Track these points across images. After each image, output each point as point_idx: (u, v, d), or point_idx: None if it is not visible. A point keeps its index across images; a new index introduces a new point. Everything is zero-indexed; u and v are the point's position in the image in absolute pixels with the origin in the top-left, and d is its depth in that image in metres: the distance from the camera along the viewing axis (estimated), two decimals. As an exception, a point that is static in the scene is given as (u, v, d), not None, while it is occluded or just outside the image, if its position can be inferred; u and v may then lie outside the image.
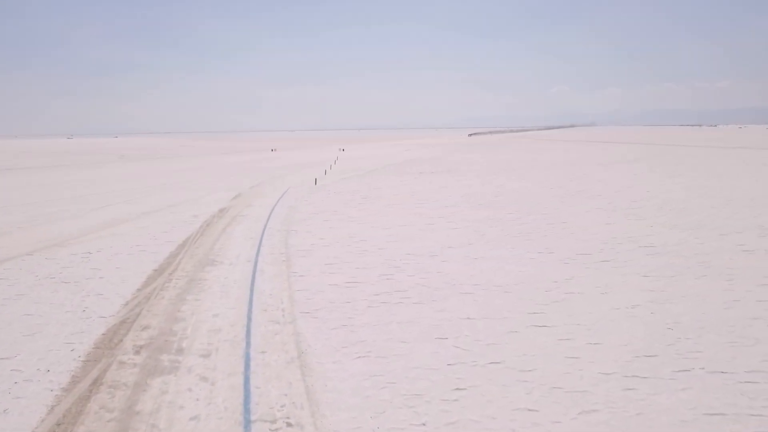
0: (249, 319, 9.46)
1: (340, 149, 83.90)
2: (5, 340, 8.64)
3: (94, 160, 65.99)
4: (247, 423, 6.10)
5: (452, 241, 15.41)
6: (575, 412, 6.20)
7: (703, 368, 7.22)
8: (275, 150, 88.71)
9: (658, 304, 9.83)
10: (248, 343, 8.38)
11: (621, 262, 12.76)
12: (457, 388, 6.80)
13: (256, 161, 59.66)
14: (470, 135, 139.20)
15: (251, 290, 11.12)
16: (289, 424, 6.08)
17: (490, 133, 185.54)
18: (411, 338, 8.50)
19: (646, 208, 20.52)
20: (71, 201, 25.86)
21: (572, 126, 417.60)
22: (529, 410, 6.26)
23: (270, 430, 5.98)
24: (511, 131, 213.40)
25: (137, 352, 8.14)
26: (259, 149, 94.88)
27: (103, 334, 8.85)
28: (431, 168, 43.24)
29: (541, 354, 7.80)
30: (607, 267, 12.36)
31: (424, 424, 6.00)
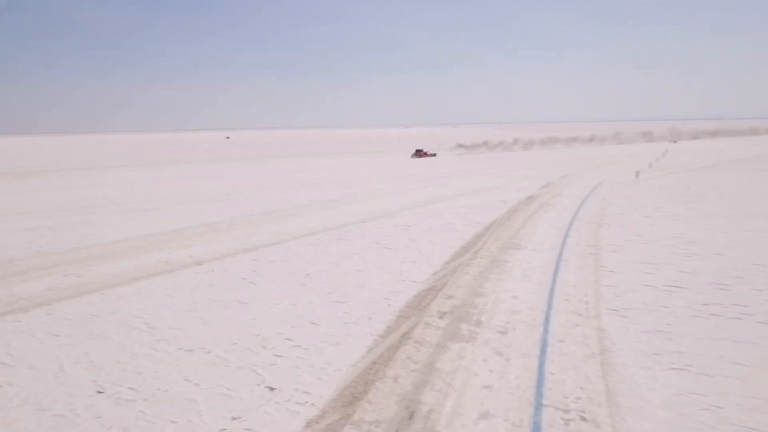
0: (549, 306, 9.09)
1: (673, 141, 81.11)
2: (341, 288, 10.35)
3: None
4: (539, 406, 5.83)
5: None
6: None
7: None
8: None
9: None
10: (546, 329, 8.05)
11: None
12: (819, 437, 5.14)
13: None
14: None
15: (554, 278, 10.70)
16: (583, 419, 5.56)
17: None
18: (749, 362, 6.83)
19: None
20: (390, 181, 29.59)
21: None
22: None
23: (562, 419, 5.58)
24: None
25: (441, 317, 8.69)
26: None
27: (414, 296, 9.76)
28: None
29: None
30: None
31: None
